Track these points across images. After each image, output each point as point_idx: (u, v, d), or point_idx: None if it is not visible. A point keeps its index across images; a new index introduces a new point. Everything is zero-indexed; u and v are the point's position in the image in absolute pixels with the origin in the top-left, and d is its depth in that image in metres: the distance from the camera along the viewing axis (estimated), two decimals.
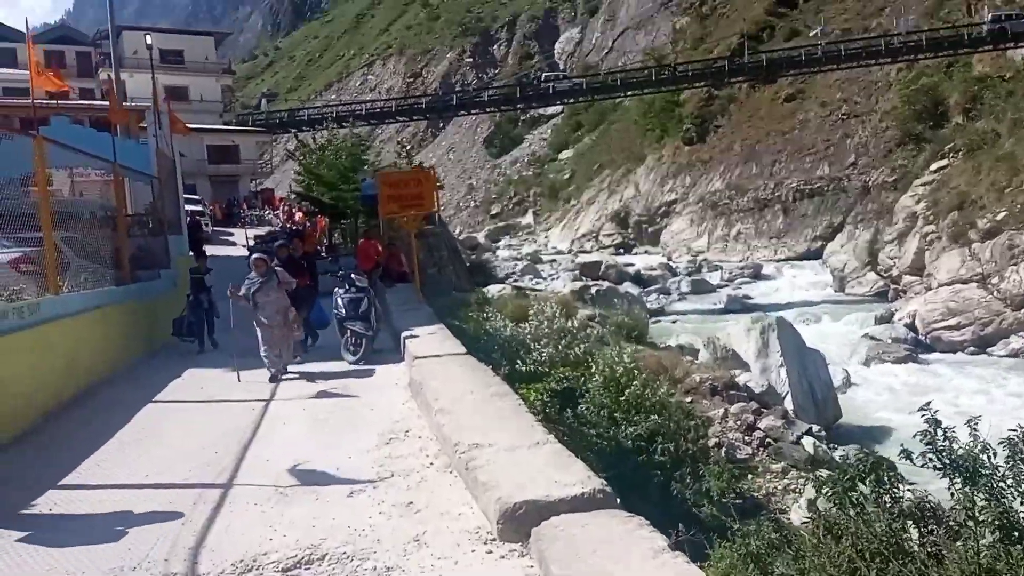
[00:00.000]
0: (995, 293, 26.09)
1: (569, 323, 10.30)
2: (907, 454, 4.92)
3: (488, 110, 67.60)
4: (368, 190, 18.30)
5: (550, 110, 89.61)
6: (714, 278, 42.74)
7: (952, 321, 26.47)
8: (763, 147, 55.98)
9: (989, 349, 25.41)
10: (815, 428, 11.72)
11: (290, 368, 9.34)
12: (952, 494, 4.69)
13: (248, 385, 8.82)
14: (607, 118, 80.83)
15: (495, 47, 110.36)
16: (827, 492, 5.01)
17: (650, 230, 59.58)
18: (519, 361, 8.29)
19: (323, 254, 21.31)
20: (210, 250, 29.36)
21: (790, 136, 55.14)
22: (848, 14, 60.44)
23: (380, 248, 17.82)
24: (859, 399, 20.91)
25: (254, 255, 9.40)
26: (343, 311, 9.98)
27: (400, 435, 6.28)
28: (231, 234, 31.68)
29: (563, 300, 15.17)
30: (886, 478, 4.86)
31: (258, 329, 9.07)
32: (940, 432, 4.75)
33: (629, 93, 60.24)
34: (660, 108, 64.25)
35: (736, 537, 5.40)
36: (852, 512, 4.73)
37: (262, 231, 30.06)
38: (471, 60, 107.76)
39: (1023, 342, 24.69)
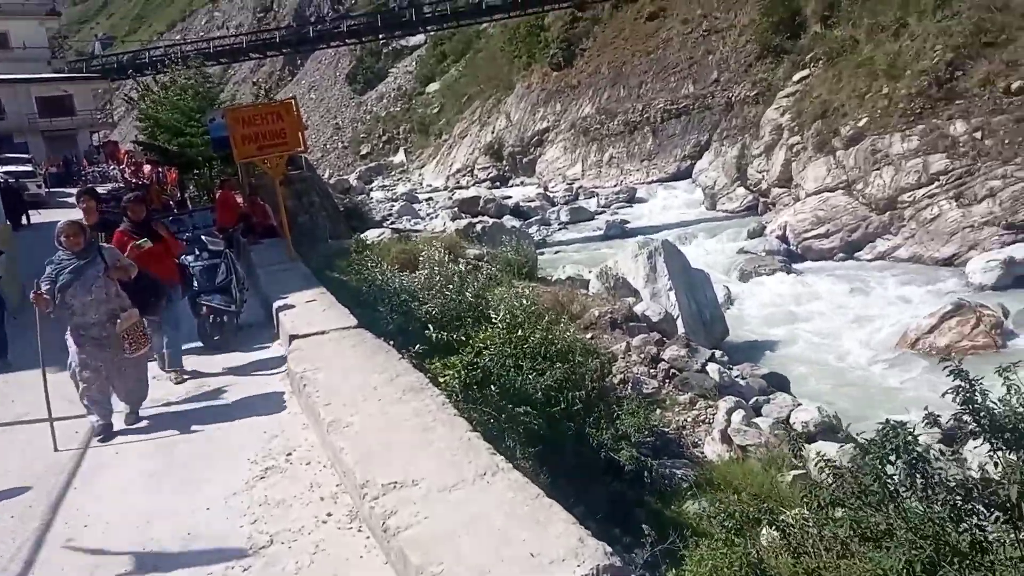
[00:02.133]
0: (860, 199, 27.09)
1: (460, 266, 9.43)
2: (933, 420, 4.39)
3: (349, 42, 64.36)
4: (218, 131, 16.12)
5: (412, 41, 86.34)
6: (591, 205, 42.85)
7: (821, 230, 27.42)
8: (629, 68, 55.91)
9: (857, 254, 26.53)
10: (718, 354, 11.55)
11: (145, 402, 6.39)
12: (996, 463, 4.12)
13: (73, 403, 6.17)
14: (472, 47, 78.66)
15: None
16: (864, 474, 4.35)
17: (525, 160, 58.98)
18: (425, 328, 7.16)
19: (174, 211, 19.31)
20: (44, 215, 26.54)
21: (655, 56, 55.19)
22: None
23: (240, 200, 15.83)
24: (742, 314, 21.36)
25: (61, 222, 6.15)
26: (195, 284, 8.21)
27: (280, 461, 4.76)
28: (70, 195, 28.67)
29: (449, 241, 14.31)
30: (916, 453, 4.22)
31: (71, 349, 5.96)
32: (973, 388, 4.14)
33: (495, 17, 58.63)
34: (525, 33, 62.91)
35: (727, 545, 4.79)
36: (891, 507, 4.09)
37: (106, 189, 27.28)
38: None
39: (888, 245, 25.85)
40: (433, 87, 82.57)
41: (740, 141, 41.08)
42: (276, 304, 8.33)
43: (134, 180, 26.54)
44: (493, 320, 7.87)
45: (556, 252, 30.96)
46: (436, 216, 40.55)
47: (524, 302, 8.12)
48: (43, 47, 47.86)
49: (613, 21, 59.90)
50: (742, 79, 48.20)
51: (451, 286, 8.67)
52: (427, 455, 3.69)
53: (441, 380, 6.34)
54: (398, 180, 69.03)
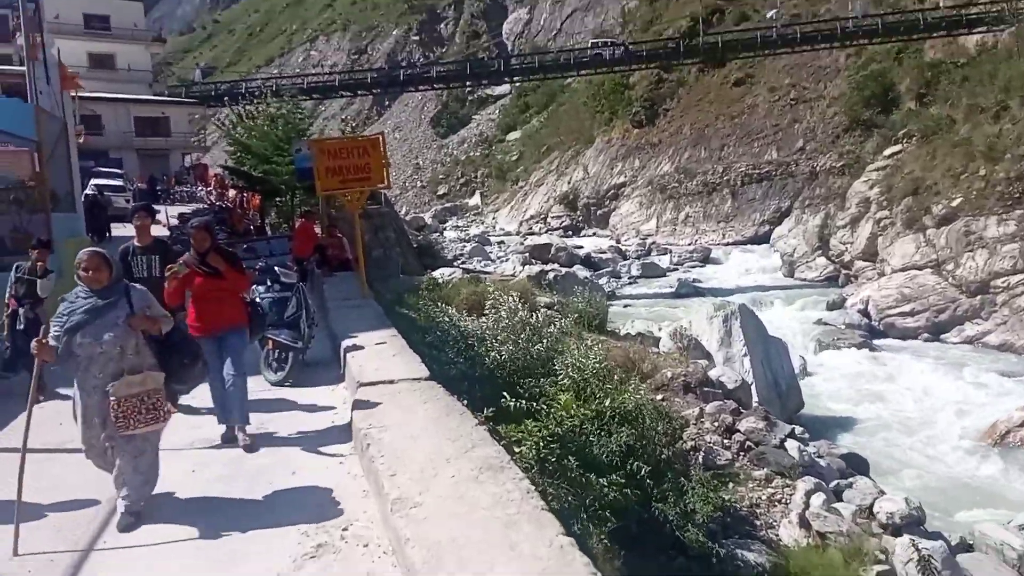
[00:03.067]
0: (950, 279, 25.86)
1: (533, 316, 9.04)
2: None
3: (437, 87, 65.79)
4: (303, 162, 16.08)
5: (498, 90, 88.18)
6: (663, 261, 42.18)
7: (906, 307, 26.20)
8: (712, 131, 55.64)
9: (943, 336, 25.20)
10: (798, 430, 10.85)
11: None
12: None
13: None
14: (556, 99, 79.83)
15: (442, 26, 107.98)
16: None
17: (599, 212, 58.86)
18: (504, 395, 6.56)
19: (253, 235, 19.49)
20: (128, 229, 27.41)
21: (739, 120, 54.87)
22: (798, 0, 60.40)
23: (319, 231, 15.74)
24: (817, 387, 20.37)
25: (82, 251, 4.99)
26: (263, 319, 7.45)
27: (335, 537, 4.10)
28: (156, 212, 29.59)
29: (521, 287, 13.99)
30: None
31: (77, 409, 4.65)
32: None
33: (582, 72, 59.30)
34: (610, 90, 63.46)
35: None
36: None
37: (191, 208, 28.06)
38: (417, 38, 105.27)
39: (977, 329, 24.50)
40: (514, 135, 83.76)
41: (823, 210, 40.11)
42: (344, 344, 7.73)
43: (219, 203, 27.30)
44: (559, 374, 7.47)
45: (625, 305, 30.38)
46: (507, 259, 40.52)
47: (595, 359, 7.69)
48: (146, 70, 50.33)
49: (698, 84, 59.94)
50: (828, 149, 47.40)
51: (522, 335, 8.26)
52: (508, 561, 3.06)
53: (517, 451, 5.80)
54: (472, 221, 69.74)
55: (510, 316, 8.71)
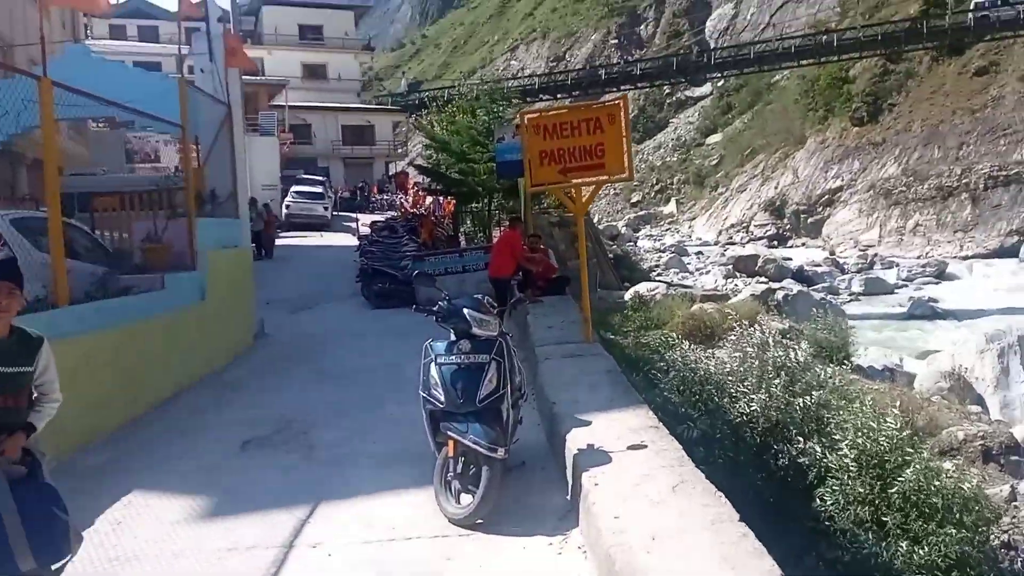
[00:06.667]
0: None
1: (789, 354, 6.77)
2: None
3: (639, 85, 63.74)
4: (506, 153, 13.39)
5: (698, 92, 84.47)
6: (890, 276, 37.51)
7: None
8: (947, 127, 49.28)
9: None
10: None
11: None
12: None
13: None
14: (762, 98, 74.86)
15: (642, 27, 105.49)
16: None
17: (810, 220, 54.02)
18: (738, 433, 4.58)
19: (444, 246, 18.21)
20: (325, 238, 27.64)
21: (981, 115, 48.19)
22: None
23: (523, 244, 12.29)
24: None
25: None
26: (441, 394, 4.83)
27: None
28: (355, 220, 29.97)
29: (749, 310, 11.68)
30: None
31: None
32: None
33: (801, 62, 54.92)
34: (825, 85, 58.24)
35: None
36: None
37: (387, 216, 28.01)
38: (616, 41, 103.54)
39: None
40: (714, 138, 79.75)
41: None
42: (568, 435, 4.96)
43: (412, 210, 26.92)
44: (836, 438, 5.37)
45: (848, 327, 26.77)
46: (707, 271, 37.72)
47: (892, 424, 5.47)
48: (355, 79, 52.34)
49: (931, 75, 53.47)
50: None
51: (776, 380, 6.14)
52: None
53: None
54: (666, 230, 66.92)
55: (759, 353, 6.61)
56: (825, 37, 52.52)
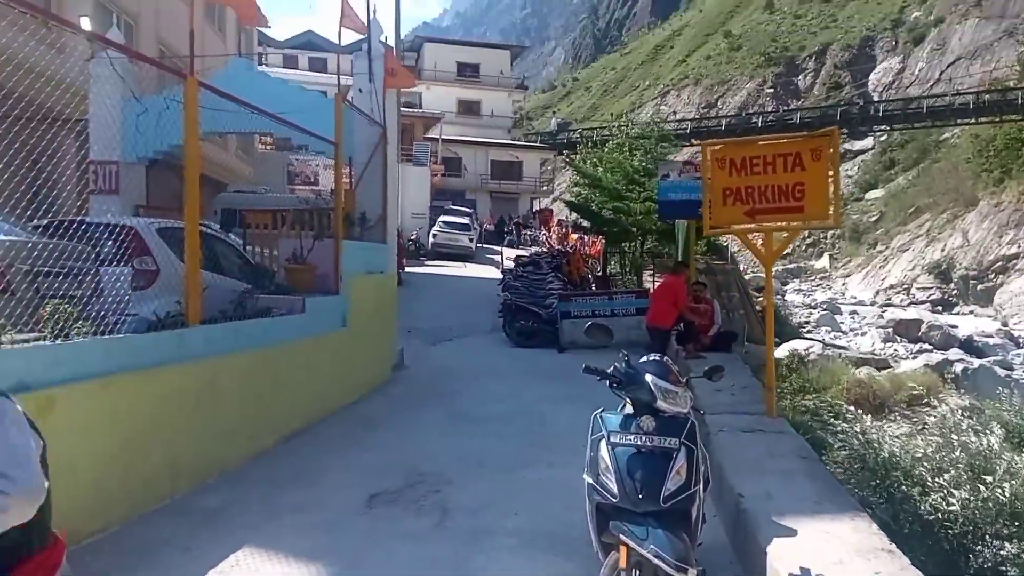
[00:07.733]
0: None
1: (985, 440, 5.76)
2: None
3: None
4: (669, 193, 12.76)
5: (858, 145, 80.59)
6: None
7: None
8: None
9: None
10: None
11: None
12: None
13: None
14: (929, 156, 70.41)
15: (800, 77, 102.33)
16: None
17: (980, 287, 49.80)
18: (933, 536, 3.84)
19: (592, 287, 17.66)
20: (469, 269, 27.81)
21: None
22: None
23: (688, 293, 11.53)
24: None
25: None
26: (613, 484, 3.80)
27: None
28: (498, 252, 30.18)
29: (926, 382, 10.50)
30: None
31: None
32: None
33: (980, 119, 51.29)
34: (1003, 145, 54.01)
35: None
36: None
37: (528, 252, 28.02)
38: (772, 90, 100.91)
39: None
40: (874, 194, 75.57)
41: None
42: (769, 548, 4.10)
43: (557, 247, 26.78)
44: None
45: None
46: (863, 332, 35.30)
47: None
48: (507, 116, 53.64)
49: None
50: None
51: (986, 476, 5.15)
52: None
53: None
54: (817, 286, 63.70)
55: (960, 440, 5.63)
56: (1006, 95, 48.69)
